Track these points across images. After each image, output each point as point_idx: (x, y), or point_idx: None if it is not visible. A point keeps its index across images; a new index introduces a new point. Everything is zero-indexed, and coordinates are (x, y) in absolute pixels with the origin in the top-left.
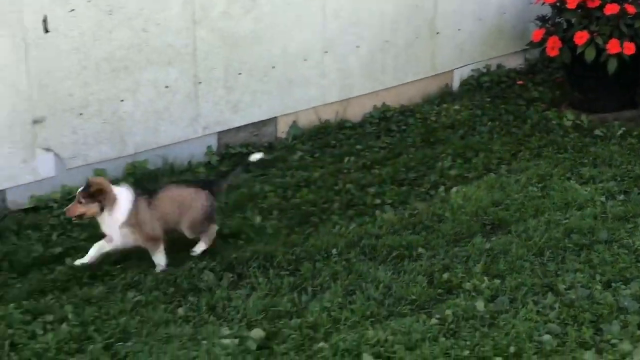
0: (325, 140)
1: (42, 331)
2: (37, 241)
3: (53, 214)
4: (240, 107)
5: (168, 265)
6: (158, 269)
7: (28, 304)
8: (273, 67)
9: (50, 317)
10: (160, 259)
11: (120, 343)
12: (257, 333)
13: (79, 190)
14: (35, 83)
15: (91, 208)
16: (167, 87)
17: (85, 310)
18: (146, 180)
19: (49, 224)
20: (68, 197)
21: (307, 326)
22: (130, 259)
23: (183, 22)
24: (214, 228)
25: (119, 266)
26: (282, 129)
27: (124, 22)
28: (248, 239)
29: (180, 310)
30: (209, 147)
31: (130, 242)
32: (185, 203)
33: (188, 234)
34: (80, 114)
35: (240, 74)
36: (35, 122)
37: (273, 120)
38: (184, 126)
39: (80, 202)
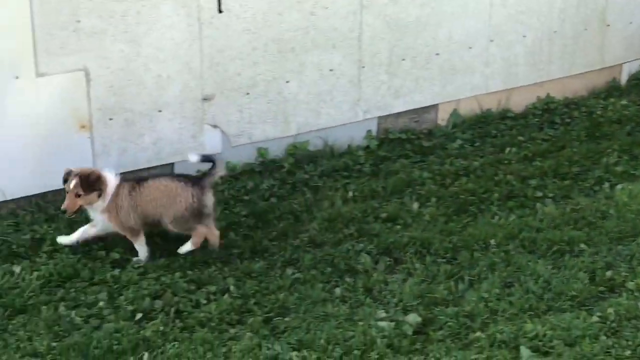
0: (486, 130)
1: (206, 301)
2: None
3: (218, 188)
4: (402, 93)
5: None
6: (137, 260)
7: (192, 274)
8: (437, 54)
9: (213, 288)
10: (140, 250)
11: (279, 318)
12: (414, 318)
13: (73, 184)
14: (206, 61)
15: (90, 198)
16: (331, 70)
17: (245, 284)
18: (306, 161)
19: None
20: (232, 173)
21: (464, 315)
22: (287, 237)
23: (351, 6)
24: (203, 229)
25: (274, 243)
26: (442, 116)
27: (294, 4)
28: (405, 224)
29: (337, 290)
30: (368, 132)
31: (110, 227)
32: (170, 196)
33: (171, 228)
34: (247, 94)
35: (404, 59)
36: (205, 99)
37: (434, 107)
38: (345, 109)
39: (79, 195)
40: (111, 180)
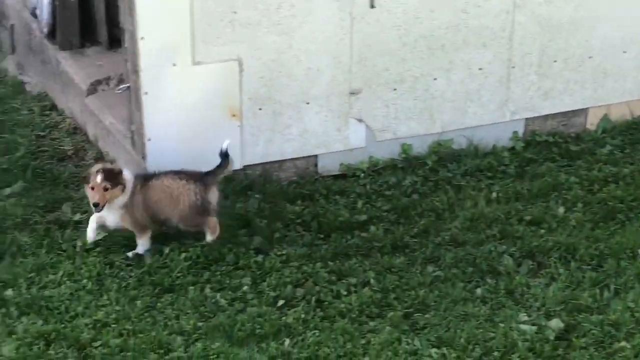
0: (637, 137)
1: (346, 292)
2: (343, 207)
3: (360, 182)
4: (551, 95)
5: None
6: (135, 251)
7: (333, 265)
8: (590, 57)
9: (353, 280)
10: (142, 244)
11: (418, 314)
12: (556, 324)
13: (99, 178)
14: (356, 56)
15: (115, 192)
16: (480, 69)
17: (386, 278)
18: (450, 160)
19: (356, 191)
20: (374, 168)
21: (609, 323)
22: (429, 234)
23: (503, 5)
24: (214, 221)
25: (415, 239)
26: (592, 121)
27: (445, 2)
28: (549, 228)
29: (478, 291)
30: (514, 133)
31: (125, 224)
32: (174, 195)
33: (181, 226)
34: (394, 89)
35: (555, 61)
36: (352, 93)
37: (583, 111)
38: (492, 109)
39: (107, 189)
40: (129, 176)
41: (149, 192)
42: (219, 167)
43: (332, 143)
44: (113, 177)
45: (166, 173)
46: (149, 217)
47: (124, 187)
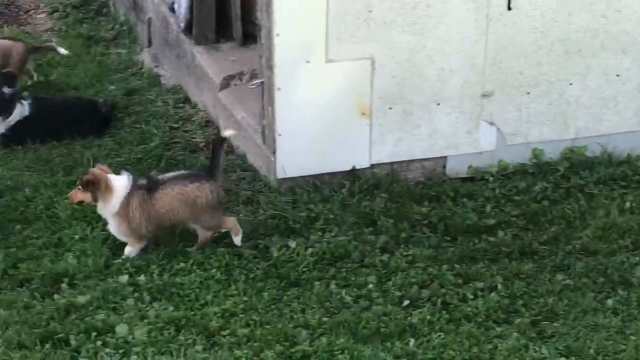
0: None
1: (472, 296)
2: (471, 210)
3: (488, 186)
4: None
5: None
6: (125, 254)
7: (460, 268)
8: None
9: (480, 284)
10: (131, 251)
11: (546, 322)
12: None
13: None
14: (490, 58)
15: (85, 196)
16: (617, 75)
17: (514, 284)
18: (582, 167)
19: (484, 195)
20: (504, 172)
21: None
22: (559, 242)
23: None
24: (232, 221)
25: (545, 247)
26: None
27: (584, 6)
28: None
29: (609, 302)
30: None
31: (121, 231)
32: (188, 201)
33: (202, 230)
34: (528, 93)
35: None
36: (484, 96)
37: None
38: (628, 117)
39: (79, 189)
40: (120, 185)
41: (156, 205)
42: (216, 159)
43: (461, 145)
44: (84, 184)
45: (171, 179)
46: (154, 228)
47: (95, 196)
